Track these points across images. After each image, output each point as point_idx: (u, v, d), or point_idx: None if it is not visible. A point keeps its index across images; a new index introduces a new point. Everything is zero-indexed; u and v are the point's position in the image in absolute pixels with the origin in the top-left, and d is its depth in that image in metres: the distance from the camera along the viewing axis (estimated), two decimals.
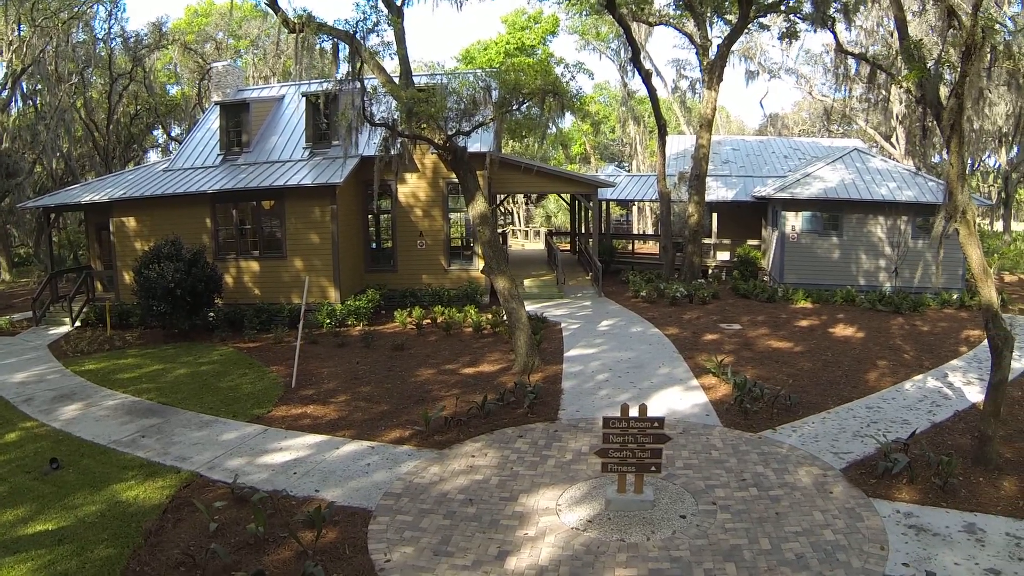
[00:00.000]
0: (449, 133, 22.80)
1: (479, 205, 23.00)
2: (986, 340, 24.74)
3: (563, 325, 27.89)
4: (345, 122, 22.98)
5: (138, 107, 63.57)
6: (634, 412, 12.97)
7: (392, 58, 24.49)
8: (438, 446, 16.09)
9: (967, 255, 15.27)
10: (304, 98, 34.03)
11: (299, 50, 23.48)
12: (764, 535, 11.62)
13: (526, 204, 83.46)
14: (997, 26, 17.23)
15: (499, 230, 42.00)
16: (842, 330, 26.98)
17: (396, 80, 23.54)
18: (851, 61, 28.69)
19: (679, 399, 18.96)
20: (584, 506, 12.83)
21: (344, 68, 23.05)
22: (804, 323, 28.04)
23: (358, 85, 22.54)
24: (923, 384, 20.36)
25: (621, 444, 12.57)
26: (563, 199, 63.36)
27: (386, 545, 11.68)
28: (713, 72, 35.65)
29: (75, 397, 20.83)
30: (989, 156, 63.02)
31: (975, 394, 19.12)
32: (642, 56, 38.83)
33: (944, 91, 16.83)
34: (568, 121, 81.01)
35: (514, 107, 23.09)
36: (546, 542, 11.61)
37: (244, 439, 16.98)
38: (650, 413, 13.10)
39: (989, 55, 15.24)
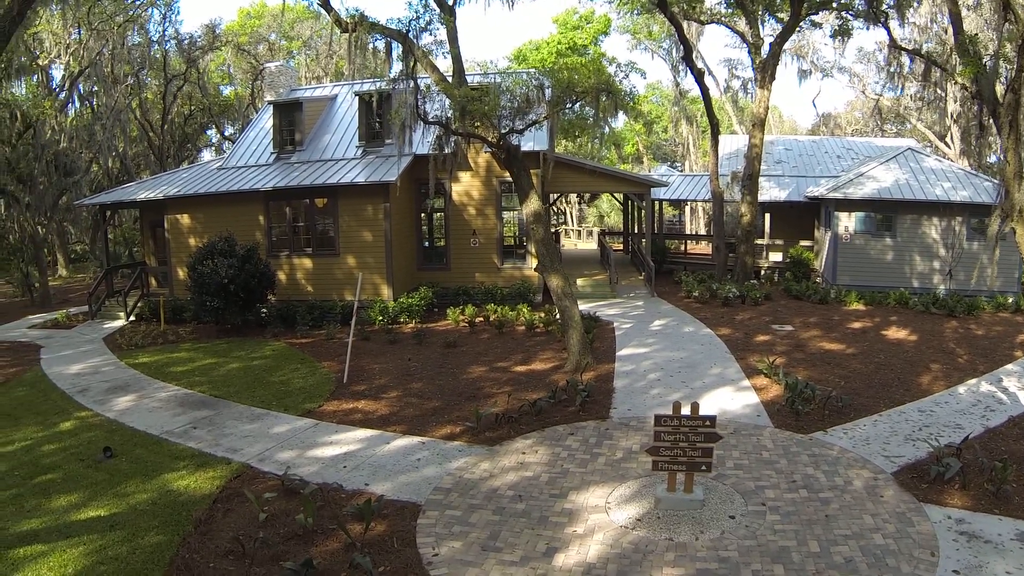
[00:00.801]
0: (502, 132, 22.86)
1: (533, 203, 23.04)
2: None
3: (615, 324, 27.83)
4: (398, 120, 23.15)
5: (192, 107, 64.37)
6: (686, 411, 12.92)
7: (445, 57, 24.68)
8: (489, 442, 16.17)
9: (1023, 255, 15.06)
10: (357, 97, 34.21)
11: (352, 50, 23.70)
12: (813, 537, 11.53)
13: (579, 204, 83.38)
14: None
15: (552, 229, 41.99)
16: (895, 333, 26.63)
17: (449, 79, 23.66)
18: (905, 58, 28.20)
19: (730, 399, 18.86)
20: (633, 504, 12.83)
21: (397, 67, 23.27)
22: (857, 325, 27.72)
23: (411, 84, 22.70)
24: (977, 388, 20.05)
25: (672, 442, 12.53)
26: (616, 199, 63.25)
27: (434, 539, 11.77)
28: (765, 70, 35.34)
29: (129, 389, 21.24)
30: None
31: None
32: (694, 55, 38.57)
33: (1000, 88, 16.61)
34: (621, 121, 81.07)
35: (567, 105, 23.13)
36: (595, 540, 11.62)
37: (295, 432, 17.18)
38: (701, 412, 13.05)
39: None
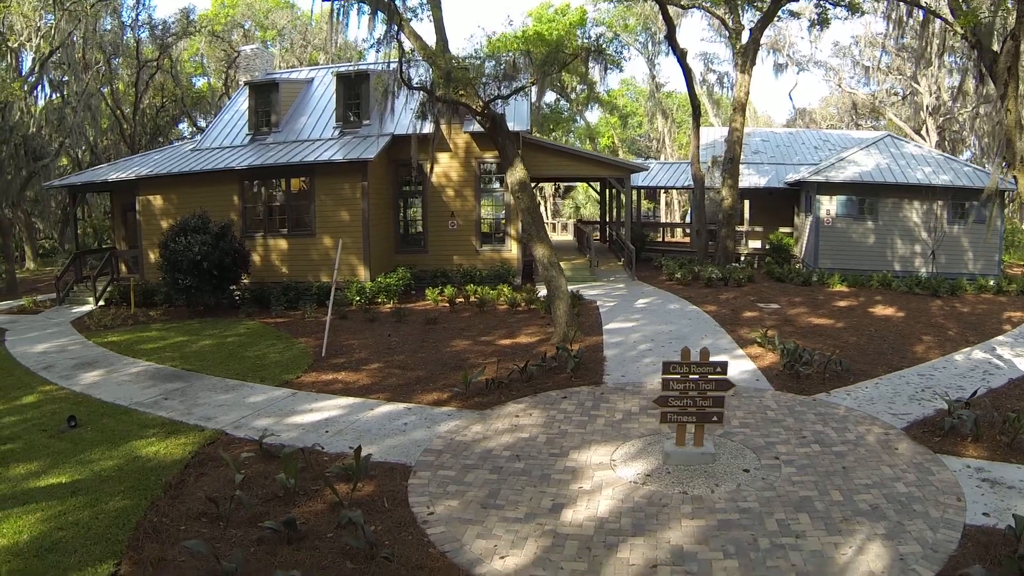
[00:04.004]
0: (487, 99, 22.22)
1: (518, 172, 22.41)
2: None
3: (599, 303, 27.29)
4: (381, 86, 22.54)
5: (164, 99, 63.23)
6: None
7: (430, 22, 24.01)
8: (479, 407, 15.52)
9: None
10: (335, 79, 33.65)
11: (334, 20, 23.03)
12: (834, 487, 11.04)
13: (553, 197, 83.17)
14: None
15: None
16: (882, 310, 26.41)
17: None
18: (903, 7, 27.53)
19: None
20: (640, 461, 12.24)
21: (381, 29, 22.50)
22: (843, 303, 27.45)
23: (395, 44, 22.00)
24: (971, 356, 19.96)
25: (682, 391, 11.91)
26: (592, 189, 62.89)
27: (428, 499, 11.10)
28: (746, 55, 35.20)
29: (97, 365, 20.37)
30: None
31: None
32: (676, 35, 38.02)
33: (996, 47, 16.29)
34: (596, 115, 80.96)
35: (555, 69, 22.55)
36: (604, 495, 11.01)
37: (272, 401, 16.45)
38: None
39: None
